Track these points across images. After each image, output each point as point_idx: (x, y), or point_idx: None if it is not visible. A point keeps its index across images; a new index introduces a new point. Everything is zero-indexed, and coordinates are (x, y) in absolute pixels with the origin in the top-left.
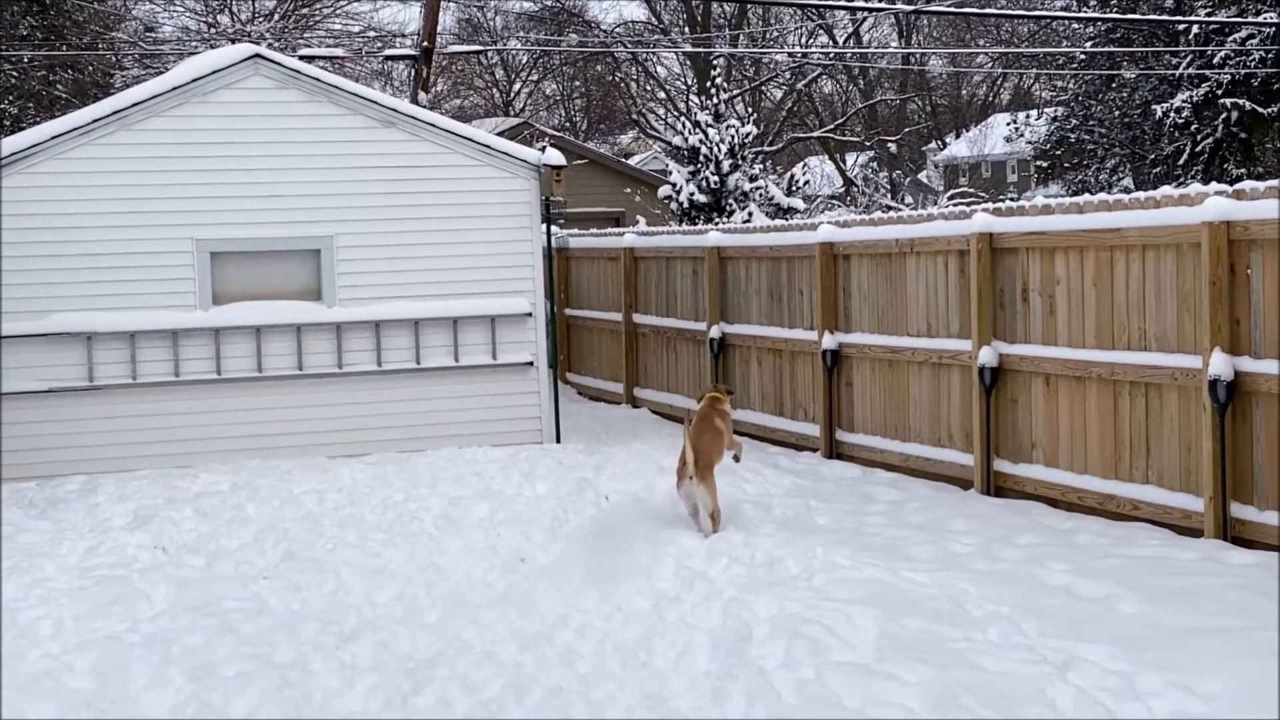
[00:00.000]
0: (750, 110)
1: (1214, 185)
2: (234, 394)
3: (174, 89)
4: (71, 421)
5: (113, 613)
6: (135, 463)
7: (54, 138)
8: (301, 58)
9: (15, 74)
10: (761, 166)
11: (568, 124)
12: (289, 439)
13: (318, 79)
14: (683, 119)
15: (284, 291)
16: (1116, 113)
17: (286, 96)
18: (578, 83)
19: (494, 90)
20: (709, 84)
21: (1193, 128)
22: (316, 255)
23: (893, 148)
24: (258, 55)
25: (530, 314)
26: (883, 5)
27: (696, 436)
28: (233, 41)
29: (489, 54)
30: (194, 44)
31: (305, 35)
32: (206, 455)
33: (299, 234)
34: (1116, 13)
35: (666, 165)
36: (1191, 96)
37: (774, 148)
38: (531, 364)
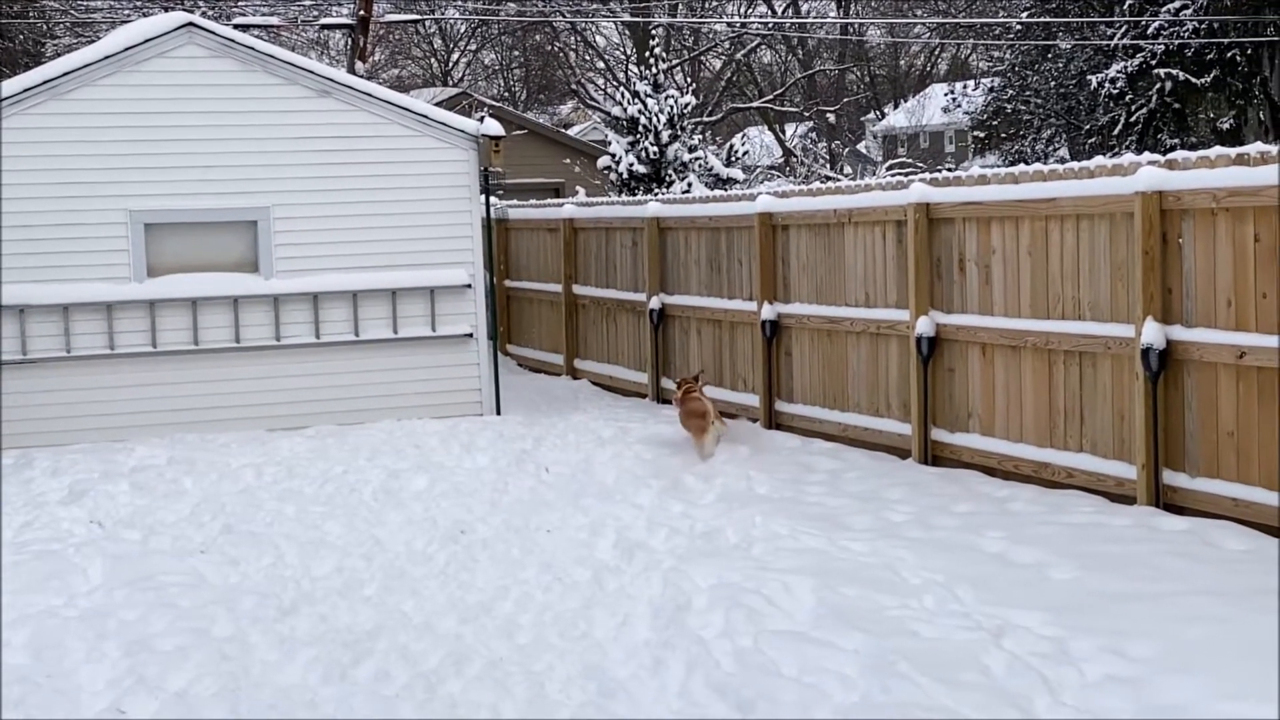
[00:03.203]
0: (689, 80)
1: (1147, 155)
2: (170, 367)
3: (106, 58)
4: (4, 395)
5: (48, 587)
6: (70, 437)
7: None
8: (236, 26)
9: None
10: (701, 137)
11: (507, 94)
12: (226, 412)
13: (253, 48)
14: (622, 89)
15: (220, 263)
16: (1052, 83)
17: (221, 66)
18: (516, 52)
19: (432, 60)
20: (648, 54)
21: (1127, 98)
22: (253, 226)
23: (831, 118)
24: (191, 24)
25: (470, 285)
26: None
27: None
28: (166, 9)
29: (427, 23)
30: (127, 12)
31: (240, 3)
32: (142, 429)
33: (235, 205)
34: None
35: (606, 136)
36: (1126, 67)
37: (713, 118)
38: (471, 335)
